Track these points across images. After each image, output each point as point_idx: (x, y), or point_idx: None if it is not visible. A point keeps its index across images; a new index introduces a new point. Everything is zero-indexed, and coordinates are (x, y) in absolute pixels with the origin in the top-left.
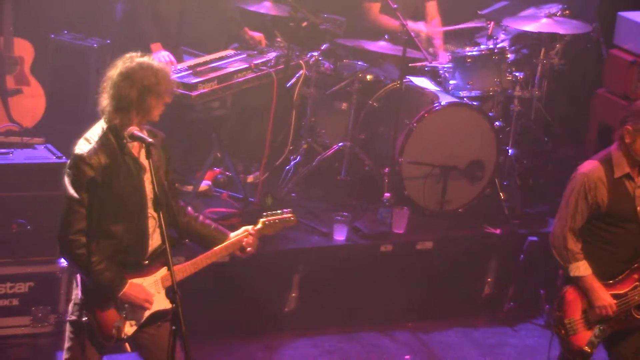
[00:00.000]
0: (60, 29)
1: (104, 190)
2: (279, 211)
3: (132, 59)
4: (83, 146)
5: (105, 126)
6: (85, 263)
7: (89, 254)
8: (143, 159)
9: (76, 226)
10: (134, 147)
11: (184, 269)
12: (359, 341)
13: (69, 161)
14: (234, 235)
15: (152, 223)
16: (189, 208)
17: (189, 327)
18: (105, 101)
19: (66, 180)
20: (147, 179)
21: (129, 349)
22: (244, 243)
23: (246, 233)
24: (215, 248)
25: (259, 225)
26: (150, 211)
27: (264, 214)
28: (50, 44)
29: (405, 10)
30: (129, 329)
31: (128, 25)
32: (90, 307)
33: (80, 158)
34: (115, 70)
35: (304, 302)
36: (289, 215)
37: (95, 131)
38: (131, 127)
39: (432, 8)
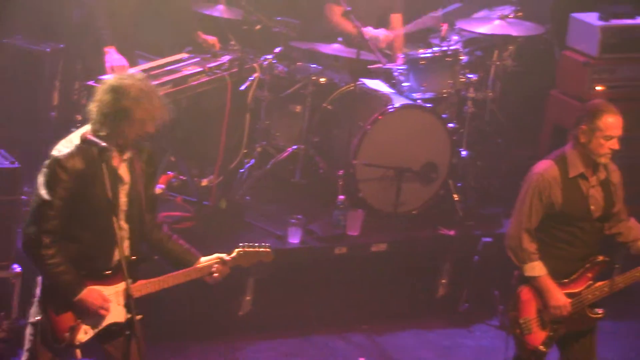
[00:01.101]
0: (14, 33)
1: (76, 196)
2: (256, 244)
3: (131, 77)
4: (63, 148)
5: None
6: (46, 263)
7: (51, 254)
8: (123, 170)
9: (43, 226)
10: (115, 157)
11: (150, 284)
12: (313, 344)
13: (47, 161)
14: (205, 260)
15: (121, 234)
16: (165, 226)
17: (145, 331)
18: (91, 107)
19: (40, 179)
20: (124, 190)
21: (79, 355)
22: (213, 269)
23: (218, 260)
24: (184, 270)
25: (234, 255)
26: (122, 222)
27: (241, 244)
28: (3, 48)
29: (369, 18)
30: (83, 335)
31: (83, 29)
32: (46, 307)
33: (56, 160)
34: (110, 80)
35: (259, 305)
36: (266, 249)
37: (79, 135)
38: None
39: (396, 20)
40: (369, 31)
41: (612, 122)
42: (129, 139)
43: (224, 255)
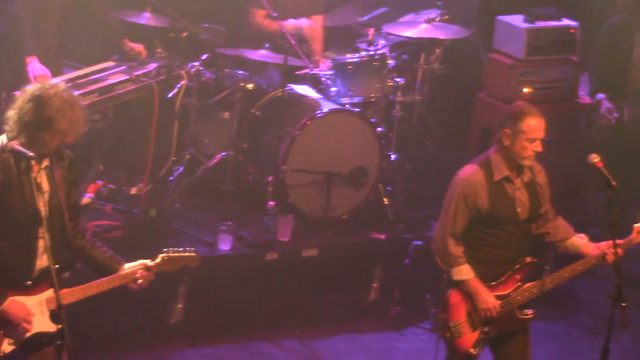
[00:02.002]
0: None
1: None
2: (181, 248)
3: (54, 87)
4: None
5: (4, 141)
6: None
7: None
8: (43, 179)
9: None
10: (34, 166)
11: (73, 293)
12: (246, 350)
13: None
14: (128, 267)
15: (42, 243)
16: (88, 233)
17: (76, 340)
18: (10, 114)
19: None
20: (44, 199)
21: None
22: (137, 275)
23: (142, 266)
24: (108, 277)
25: (158, 260)
26: (42, 231)
27: (165, 249)
28: None
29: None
30: (7, 346)
31: (8, 39)
32: None
33: None
34: (32, 89)
35: (191, 312)
36: (191, 253)
37: None
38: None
39: (317, 21)
40: (291, 23)
41: (535, 125)
42: (49, 148)
43: (147, 261)
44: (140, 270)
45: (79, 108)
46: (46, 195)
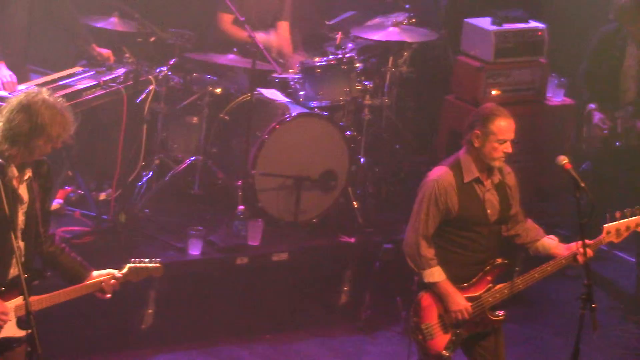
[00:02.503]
0: None
1: None
2: (146, 259)
3: (39, 94)
4: None
5: None
6: None
7: None
8: (22, 190)
9: None
10: (15, 177)
11: (41, 301)
12: (217, 355)
13: None
14: (97, 275)
15: (17, 253)
16: (58, 238)
17: (46, 347)
18: None
19: None
20: (22, 209)
21: None
22: (104, 285)
23: (110, 276)
24: (76, 286)
25: (125, 270)
26: (18, 241)
27: (132, 259)
28: None
29: (260, 25)
30: None
31: None
32: None
33: None
34: (17, 98)
35: (161, 318)
36: (156, 264)
37: None
38: None
39: (283, 28)
40: (261, 37)
41: (504, 126)
42: (42, 155)
43: (115, 271)
44: (107, 280)
45: (66, 112)
46: (25, 207)
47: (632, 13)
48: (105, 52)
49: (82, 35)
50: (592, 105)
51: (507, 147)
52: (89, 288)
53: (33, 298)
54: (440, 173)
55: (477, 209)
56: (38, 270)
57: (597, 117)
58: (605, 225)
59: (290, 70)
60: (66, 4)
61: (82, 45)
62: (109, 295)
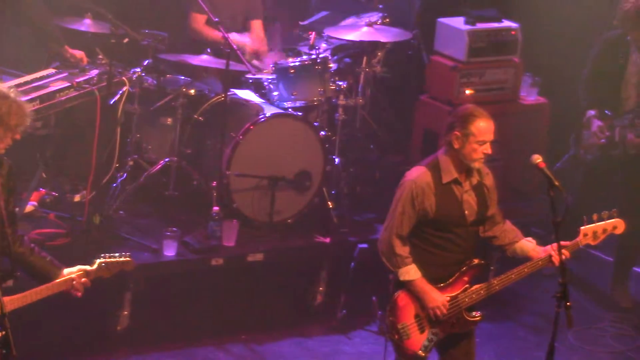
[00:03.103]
0: None
1: None
2: (117, 254)
3: None
4: None
5: None
6: None
7: None
8: None
9: None
10: None
11: (13, 301)
12: (192, 356)
13: None
14: (67, 272)
15: None
16: (26, 238)
17: (22, 349)
18: None
19: None
20: None
21: None
22: (74, 282)
23: (81, 272)
24: (47, 284)
25: (95, 267)
26: None
27: (102, 255)
28: None
29: (233, 25)
30: None
31: None
32: None
33: None
34: None
35: (137, 319)
36: (126, 259)
37: None
38: None
39: (257, 26)
40: (235, 38)
41: (484, 127)
42: (1, 148)
43: (86, 267)
44: (77, 277)
45: (22, 101)
46: None
47: (634, 19)
48: (78, 53)
49: (54, 36)
50: (591, 112)
51: (487, 148)
52: (60, 286)
53: (4, 299)
54: (418, 174)
55: (455, 210)
56: (7, 271)
57: (596, 124)
58: (582, 228)
59: (265, 71)
60: (38, 5)
61: (54, 47)
62: (79, 294)
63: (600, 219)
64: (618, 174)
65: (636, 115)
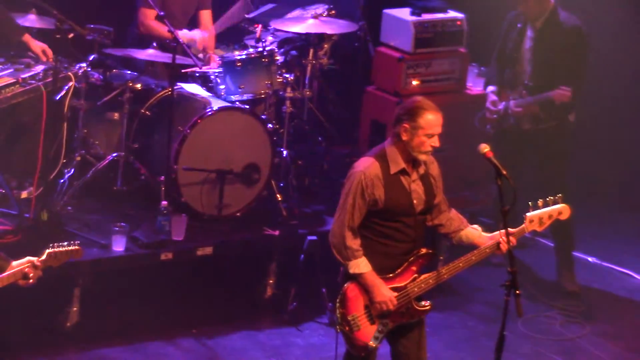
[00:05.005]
0: None
1: None
2: (65, 243)
3: None
4: None
5: None
6: None
7: None
8: None
9: None
10: None
11: None
12: (143, 352)
13: None
14: (16, 264)
15: None
16: None
17: None
18: None
19: None
20: None
21: None
22: (25, 272)
23: (30, 264)
24: None
25: (44, 257)
26: None
27: (50, 245)
28: None
29: (184, 18)
30: None
31: None
32: None
33: None
34: None
35: (86, 315)
36: (75, 247)
37: None
38: None
39: (206, 17)
40: (185, 34)
41: (433, 120)
42: None
43: (35, 259)
44: (27, 267)
45: None
46: None
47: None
48: (41, 45)
49: (13, 26)
50: (490, 87)
51: (435, 141)
52: (10, 278)
53: None
54: (367, 164)
55: (404, 199)
56: None
57: (490, 99)
58: (527, 214)
59: (212, 64)
60: None
61: (15, 37)
62: (32, 281)
63: (546, 205)
64: (511, 149)
65: (525, 87)
